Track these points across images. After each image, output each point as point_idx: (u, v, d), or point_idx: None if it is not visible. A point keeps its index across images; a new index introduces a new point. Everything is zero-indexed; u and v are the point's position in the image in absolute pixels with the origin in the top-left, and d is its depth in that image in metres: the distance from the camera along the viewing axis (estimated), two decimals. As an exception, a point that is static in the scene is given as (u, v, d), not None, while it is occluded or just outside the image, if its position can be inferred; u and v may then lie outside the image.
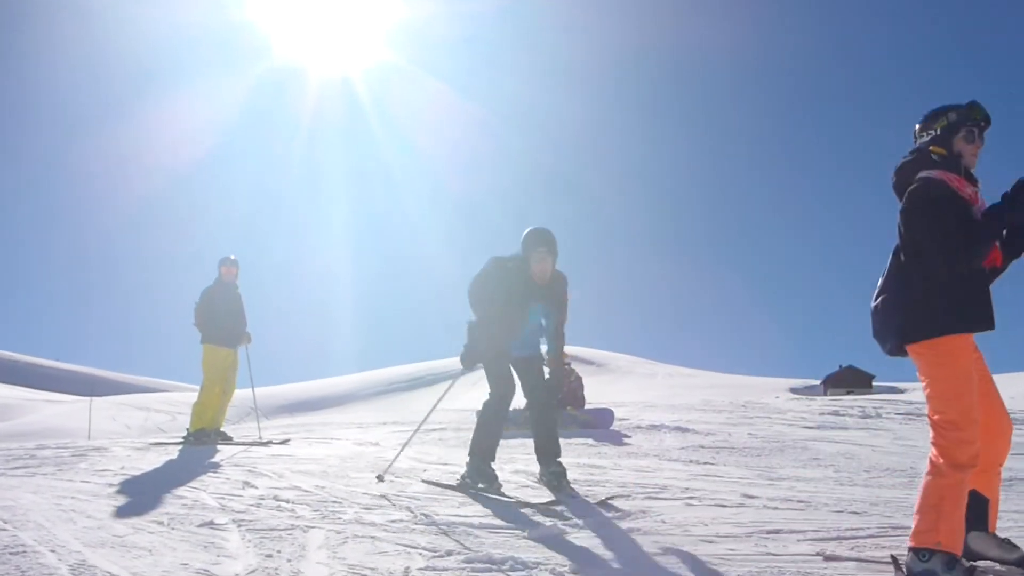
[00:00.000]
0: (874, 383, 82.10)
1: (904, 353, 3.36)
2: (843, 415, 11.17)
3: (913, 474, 6.02)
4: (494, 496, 4.98)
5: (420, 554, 3.65)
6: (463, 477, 5.35)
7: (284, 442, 8.66)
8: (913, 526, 3.16)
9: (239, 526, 4.23)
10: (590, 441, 8.02)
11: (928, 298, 3.20)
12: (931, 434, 3.22)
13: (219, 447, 8.32)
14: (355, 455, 7.20)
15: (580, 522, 4.26)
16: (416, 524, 4.22)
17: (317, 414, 40.02)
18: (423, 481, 5.55)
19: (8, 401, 52.46)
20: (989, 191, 3.27)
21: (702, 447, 7.58)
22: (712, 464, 6.54)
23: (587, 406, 10.56)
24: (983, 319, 3.21)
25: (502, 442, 5.61)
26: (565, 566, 3.43)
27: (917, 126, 3.44)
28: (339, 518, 4.40)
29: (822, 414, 11.35)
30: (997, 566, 3.29)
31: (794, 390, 72.77)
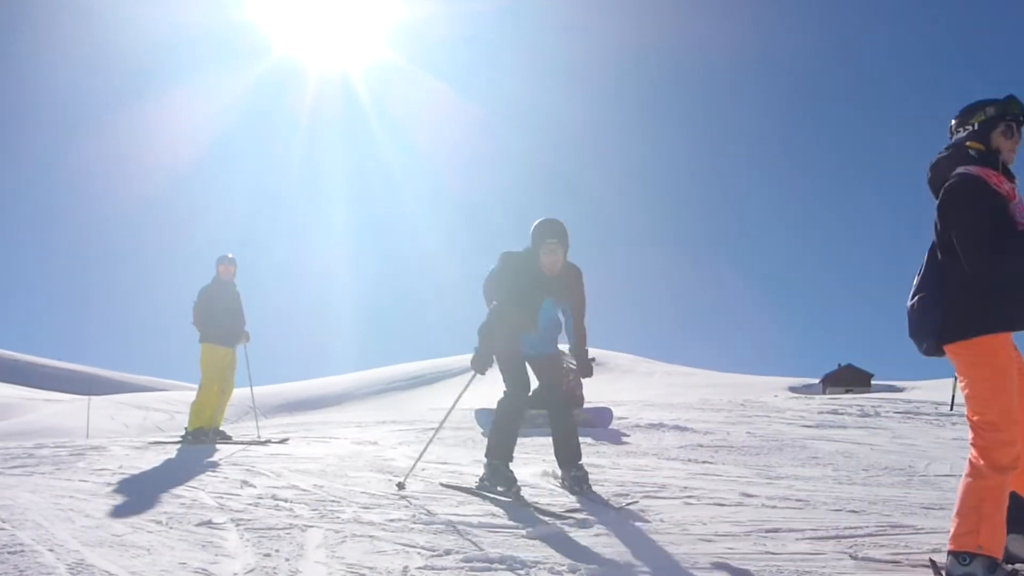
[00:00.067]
0: (873, 382, 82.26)
1: (941, 353, 3.26)
2: (842, 414, 11.18)
3: (912, 473, 6.03)
4: (511, 500, 4.78)
5: (419, 553, 3.64)
6: (482, 479, 5.17)
7: (283, 441, 8.65)
8: (952, 529, 3.09)
9: (237, 525, 4.22)
10: (589, 440, 8.01)
11: (966, 297, 3.12)
12: (970, 435, 3.14)
13: (217, 446, 8.32)
14: (354, 454, 7.19)
15: (579, 521, 4.26)
16: (415, 523, 4.21)
17: (316, 413, 40.00)
18: (442, 484, 5.40)
19: (7, 400, 52.44)
20: None
21: (701, 446, 7.58)
22: (711, 463, 6.54)
23: (586, 405, 10.56)
24: (1022, 318, 3.11)
25: (520, 441, 5.53)
26: (564, 565, 3.43)
27: (953, 121, 3.35)
28: (337, 517, 4.40)
29: (821, 413, 11.36)
30: None
31: (793, 389, 72.90)
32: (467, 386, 5.75)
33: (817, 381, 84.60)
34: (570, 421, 5.24)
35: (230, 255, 9.40)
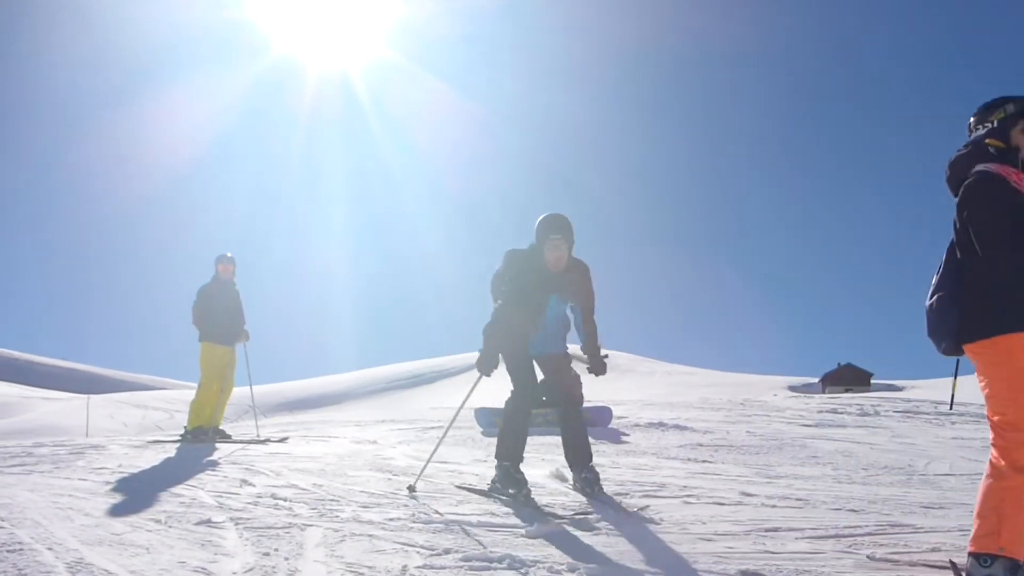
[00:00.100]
0: (872, 381, 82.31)
1: (960, 352, 3.21)
2: (841, 413, 11.19)
3: (911, 472, 6.03)
4: (521, 503, 4.65)
5: (418, 552, 3.64)
6: (493, 482, 5.04)
7: (282, 440, 8.65)
8: (973, 530, 3.01)
9: (236, 524, 4.22)
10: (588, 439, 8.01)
11: (986, 295, 3.05)
12: (991, 435, 3.09)
13: (217, 445, 8.32)
14: (353, 453, 7.19)
15: (578, 521, 4.26)
16: (414, 522, 4.21)
17: (316, 412, 40.03)
18: (456, 486, 5.30)
19: (6, 399, 52.41)
20: None
21: (700, 445, 7.58)
22: (710, 462, 6.54)
23: (585, 404, 10.56)
24: None
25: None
26: (563, 564, 3.43)
27: (972, 118, 3.29)
28: (337, 516, 4.39)
29: (820, 412, 11.37)
30: None
31: (792, 388, 72.89)
32: (473, 387, 5.60)
33: (817, 380, 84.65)
34: (580, 422, 5.10)
35: (229, 254, 9.40)
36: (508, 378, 5.12)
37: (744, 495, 4.95)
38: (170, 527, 4.21)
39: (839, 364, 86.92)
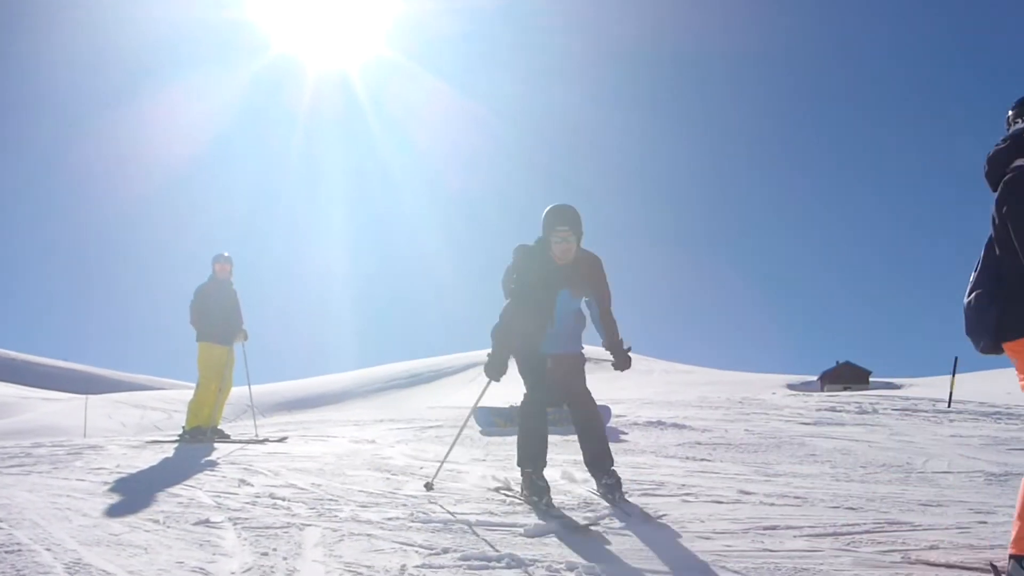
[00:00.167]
0: (871, 379, 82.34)
1: (999, 351, 3.11)
2: (840, 411, 11.19)
3: (909, 470, 6.03)
4: (543, 511, 4.44)
5: (417, 552, 3.64)
6: (521, 488, 4.83)
7: (281, 440, 8.65)
8: (1014, 533, 2.93)
9: (235, 524, 4.22)
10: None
11: None
12: None
13: (215, 445, 8.31)
14: (351, 453, 7.19)
15: (576, 520, 4.26)
16: (413, 522, 4.21)
17: (314, 411, 39.99)
18: (491, 490, 5.13)
19: (4, 399, 52.34)
20: None
21: (699, 443, 7.59)
22: (709, 460, 6.54)
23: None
24: None
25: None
26: (561, 563, 3.43)
27: (1010, 112, 3.22)
28: (335, 516, 4.39)
29: (819, 410, 11.37)
30: None
31: (791, 386, 72.88)
32: (484, 391, 5.49)
33: (815, 378, 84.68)
34: (598, 424, 4.87)
35: (226, 254, 9.39)
36: (519, 380, 4.94)
37: (742, 493, 4.95)
38: (168, 527, 4.21)
39: (837, 362, 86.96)
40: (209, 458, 7.08)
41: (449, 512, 4.45)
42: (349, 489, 5.24)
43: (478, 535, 3.94)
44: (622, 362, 4.90)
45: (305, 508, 4.62)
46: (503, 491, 5.07)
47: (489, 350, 4.86)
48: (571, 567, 3.38)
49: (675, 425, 9.10)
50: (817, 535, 3.86)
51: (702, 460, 6.55)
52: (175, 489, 5.39)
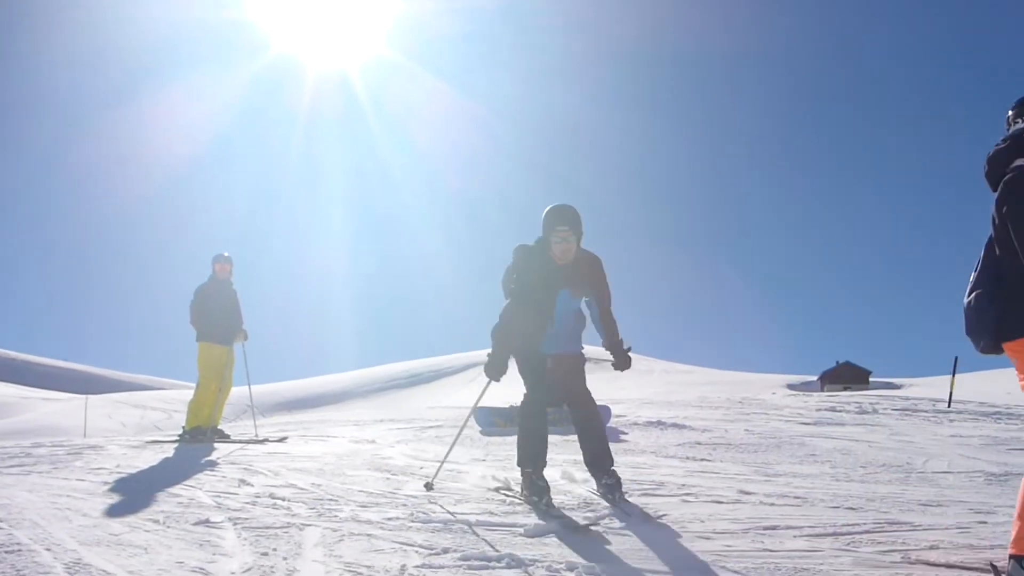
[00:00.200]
0: (871, 379, 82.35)
1: (999, 351, 3.10)
2: (840, 411, 11.19)
3: (909, 470, 6.03)
4: (543, 511, 4.42)
5: (416, 552, 3.64)
6: (521, 488, 4.82)
7: (281, 440, 8.65)
8: (1014, 533, 2.92)
9: (235, 524, 4.22)
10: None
11: None
12: None
13: (215, 445, 8.31)
14: (351, 453, 7.19)
15: (576, 520, 4.26)
16: (413, 522, 4.21)
17: (314, 411, 39.98)
18: (494, 489, 5.14)
19: (4, 399, 52.35)
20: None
21: (699, 443, 7.58)
22: (709, 460, 6.54)
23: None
24: None
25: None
26: (561, 563, 3.43)
27: (1010, 112, 3.21)
28: (335, 516, 4.39)
29: (819, 410, 11.37)
30: None
31: (791, 386, 72.89)
32: (484, 391, 5.47)
33: (815, 378, 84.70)
34: (598, 424, 4.84)
35: (226, 254, 9.39)
36: (519, 380, 4.92)
37: (742, 493, 4.95)
38: (168, 527, 4.21)
39: (838, 362, 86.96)
40: (209, 458, 7.08)
41: (449, 512, 4.45)
42: (349, 489, 5.24)
43: (478, 535, 3.94)
44: (622, 362, 4.88)
45: (305, 508, 4.62)
46: (503, 491, 5.07)
47: (489, 350, 4.85)
48: (571, 567, 3.38)
49: (675, 425, 9.10)
50: (817, 535, 3.86)
51: (702, 460, 6.55)
52: (175, 489, 5.39)
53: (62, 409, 44.71)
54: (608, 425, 9.33)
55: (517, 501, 4.74)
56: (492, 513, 4.43)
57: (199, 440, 8.69)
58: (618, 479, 4.70)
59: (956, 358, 14.44)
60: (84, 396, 46.02)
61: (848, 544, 3.68)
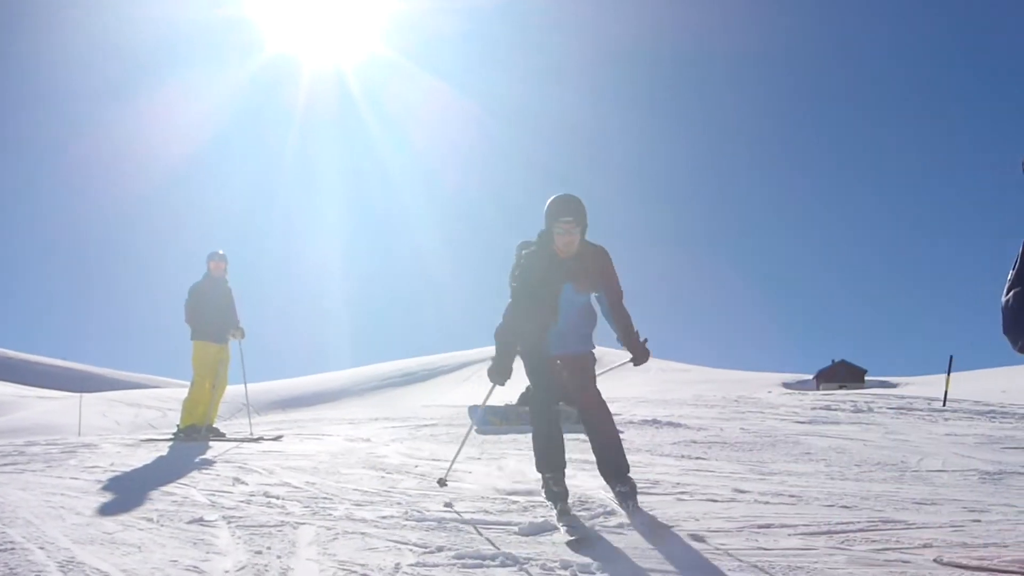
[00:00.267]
0: (866, 378, 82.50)
1: None
2: (835, 410, 11.21)
3: (904, 468, 6.03)
4: (557, 519, 4.19)
5: (411, 550, 3.64)
6: (546, 498, 4.55)
7: (276, 438, 8.64)
8: None
9: (229, 523, 4.21)
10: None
11: None
12: None
13: (210, 443, 8.30)
14: (346, 451, 7.19)
15: (572, 517, 4.25)
16: (407, 520, 4.21)
17: (310, 410, 39.95)
18: (496, 491, 5.02)
19: (-1, 397, 52.24)
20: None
21: (694, 442, 7.59)
22: (704, 459, 6.54)
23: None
24: None
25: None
26: (556, 561, 3.43)
27: None
28: (329, 514, 4.39)
29: (814, 409, 11.39)
30: None
31: (786, 385, 72.98)
32: (490, 394, 5.28)
33: (811, 377, 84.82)
34: (610, 428, 4.52)
35: (221, 251, 9.38)
36: (516, 378, 4.79)
37: (737, 492, 4.95)
38: (162, 526, 4.20)
39: (833, 361, 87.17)
40: (203, 456, 7.07)
41: (443, 510, 4.45)
42: (343, 488, 5.23)
43: (473, 533, 3.94)
44: (640, 356, 4.65)
45: (299, 506, 4.62)
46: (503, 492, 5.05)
47: (487, 349, 4.76)
48: (565, 565, 3.38)
49: (670, 423, 9.10)
50: (812, 533, 3.86)
51: (697, 459, 6.56)
52: (169, 487, 5.38)
53: (56, 407, 44.61)
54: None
55: (511, 499, 4.74)
56: (487, 512, 4.43)
57: (194, 438, 8.68)
58: (633, 486, 4.40)
59: (951, 357, 14.46)
60: (78, 394, 45.86)
61: (842, 542, 3.68)
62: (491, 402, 6.01)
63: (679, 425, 9.01)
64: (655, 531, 3.92)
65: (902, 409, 11.18)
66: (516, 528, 4.01)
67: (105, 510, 4.72)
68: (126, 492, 5.31)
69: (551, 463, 4.50)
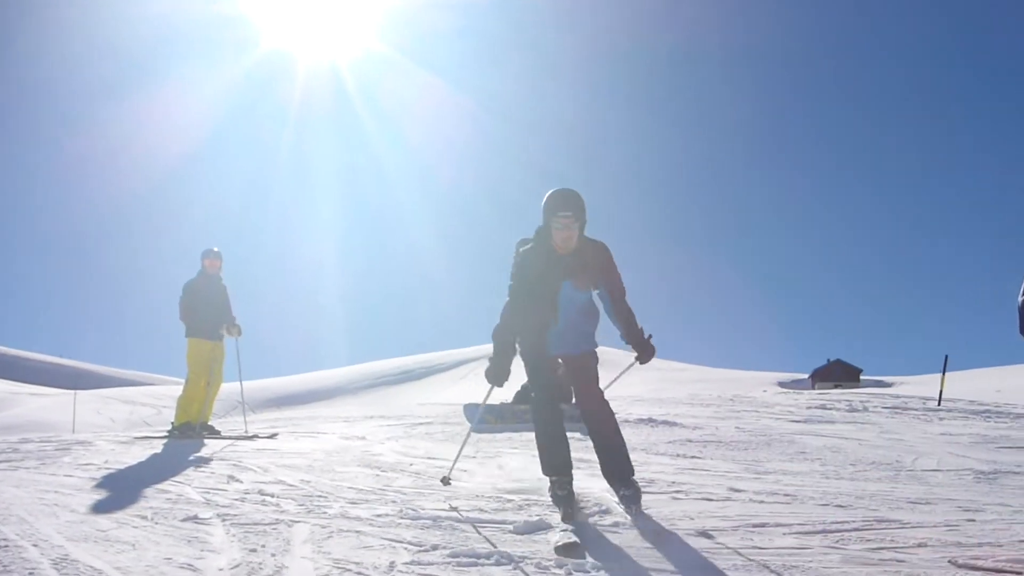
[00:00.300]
0: (861, 377, 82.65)
1: None
2: (830, 409, 11.21)
3: (899, 468, 6.04)
4: (564, 521, 4.11)
5: (405, 548, 3.63)
6: (552, 502, 4.47)
7: (271, 436, 8.63)
8: None
9: (223, 520, 4.20)
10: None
11: None
12: None
13: (205, 441, 8.29)
14: (341, 449, 7.18)
15: (570, 523, 4.25)
16: (402, 518, 4.20)
17: (304, 408, 39.98)
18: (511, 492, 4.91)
19: (-7, 394, 52.13)
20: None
21: (689, 441, 7.59)
22: (699, 458, 6.54)
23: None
24: None
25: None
26: (551, 560, 3.42)
27: None
28: (324, 512, 4.38)
29: (809, 408, 11.39)
30: None
31: (782, 384, 73.09)
32: (488, 395, 5.23)
33: (806, 376, 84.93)
34: (613, 430, 4.43)
35: (215, 249, 9.36)
36: (514, 377, 4.70)
37: (732, 491, 4.95)
38: (156, 523, 4.19)
39: (829, 360, 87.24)
40: (198, 454, 7.06)
41: (439, 509, 4.45)
42: (338, 486, 5.23)
43: (467, 532, 3.94)
44: (645, 353, 4.53)
45: (294, 504, 4.61)
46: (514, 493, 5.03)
47: (483, 347, 4.67)
48: (560, 564, 3.38)
49: (666, 422, 9.10)
50: (806, 532, 3.86)
51: (692, 458, 6.56)
52: (163, 485, 5.37)
53: (51, 404, 44.58)
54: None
55: (507, 498, 4.74)
56: (482, 510, 4.42)
57: (188, 436, 8.67)
58: (637, 490, 4.32)
59: (946, 356, 14.48)
60: (73, 391, 45.87)
61: (837, 542, 3.69)
62: (488, 401, 6.00)
63: (674, 424, 9.00)
64: (650, 530, 3.92)
65: (897, 408, 11.19)
66: (511, 527, 4.00)
67: (99, 507, 4.71)
68: (120, 489, 5.29)
69: (555, 466, 4.41)
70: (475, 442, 7.59)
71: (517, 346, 4.55)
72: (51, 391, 61.33)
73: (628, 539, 3.82)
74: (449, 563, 3.40)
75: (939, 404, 11.78)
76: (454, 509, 4.43)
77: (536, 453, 4.58)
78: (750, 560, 3.41)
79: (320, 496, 4.86)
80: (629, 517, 4.13)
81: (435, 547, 3.63)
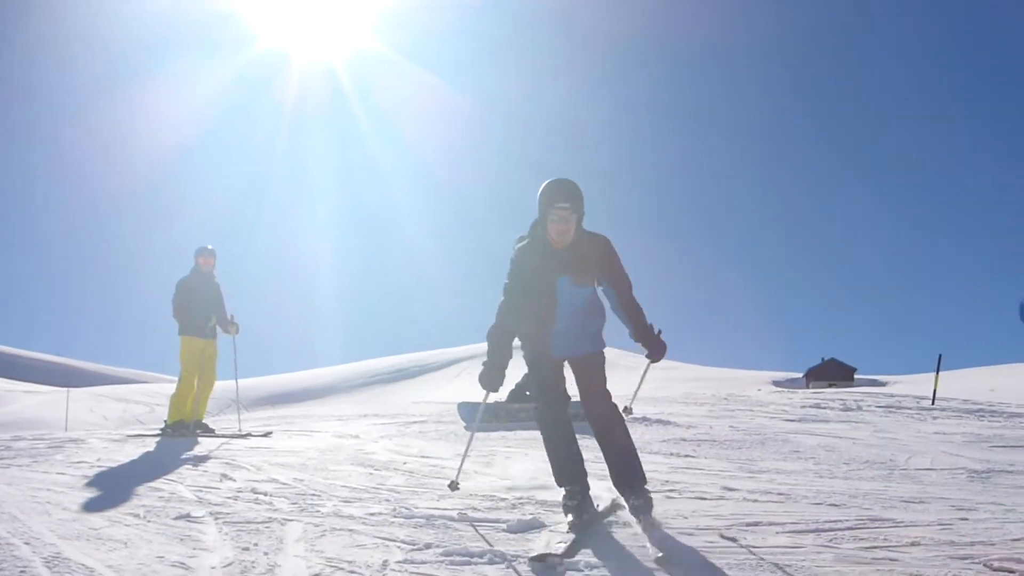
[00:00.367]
0: (856, 376, 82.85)
1: None
2: (824, 408, 11.23)
3: (892, 467, 6.05)
4: (575, 531, 3.92)
5: (398, 547, 3.62)
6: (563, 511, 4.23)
7: (265, 435, 8.61)
8: None
9: (216, 519, 4.19)
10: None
11: None
12: None
13: (198, 439, 8.27)
14: (335, 448, 7.17)
15: (560, 515, 4.25)
16: (395, 517, 4.19)
17: (299, 406, 39.90)
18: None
19: (-15, 392, 51.95)
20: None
21: (683, 440, 7.59)
22: (693, 457, 6.55)
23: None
24: None
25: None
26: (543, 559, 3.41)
27: None
28: (317, 511, 4.37)
29: (804, 407, 11.41)
30: None
31: (776, 383, 73.27)
32: (486, 398, 4.82)
33: (801, 375, 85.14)
34: (621, 435, 4.20)
35: (209, 246, 9.33)
36: (511, 376, 4.55)
37: (726, 490, 4.96)
38: (149, 522, 4.18)
39: (823, 359, 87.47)
40: (191, 452, 7.04)
41: (432, 507, 4.44)
42: (332, 484, 5.22)
43: (461, 530, 3.93)
44: (656, 350, 4.30)
45: (287, 503, 4.60)
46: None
47: (482, 346, 4.32)
48: (553, 563, 3.37)
49: (660, 421, 9.11)
50: (800, 531, 3.87)
51: (686, 456, 6.56)
52: (156, 483, 5.36)
53: (43, 402, 44.44)
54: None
55: (501, 496, 4.74)
56: (475, 509, 4.42)
57: (182, 434, 8.64)
58: (648, 499, 4.03)
59: (940, 356, 14.52)
60: (66, 389, 45.76)
61: (830, 540, 3.69)
62: (478, 399, 5.96)
63: (668, 423, 9.01)
64: (644, 529, 3.91)
65: (891, 407, 11.22)
66: (505, 525, 4.00)
67: (91, 506, 4.69)
68: (113, 488, 5.28)
69: (567, 476, 4.22)
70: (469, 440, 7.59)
71: (514, 348, 4.27)
72: (44, 389, 61.16)
73: (621, 538, 3.82)
74: (442, 562, 3.39)
75: (933, 403, 11.80)
76: (447, 508, 4.42)
77: (529, 452, 4.56)
78: (743, 559, 3.41)
79: (313, 494, 4.85)
80: (641, 529, 3.88)
81: (428, 546, 3.62)
